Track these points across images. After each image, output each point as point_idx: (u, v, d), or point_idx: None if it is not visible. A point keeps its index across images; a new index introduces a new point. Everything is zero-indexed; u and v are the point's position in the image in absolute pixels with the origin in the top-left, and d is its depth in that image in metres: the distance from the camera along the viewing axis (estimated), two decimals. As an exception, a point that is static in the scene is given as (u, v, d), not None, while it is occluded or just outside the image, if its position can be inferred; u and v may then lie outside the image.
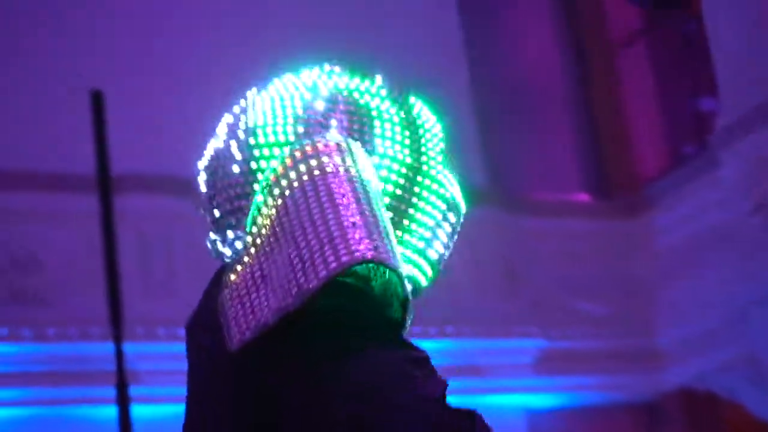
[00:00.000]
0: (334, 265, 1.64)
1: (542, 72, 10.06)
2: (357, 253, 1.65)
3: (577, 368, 8.98)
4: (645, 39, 10.20)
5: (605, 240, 9.51)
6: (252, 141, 1.87)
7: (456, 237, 1.93)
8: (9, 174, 7.61)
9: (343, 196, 1.72)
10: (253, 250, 1.78)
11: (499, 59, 9.73)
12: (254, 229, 1.81)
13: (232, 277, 1.78)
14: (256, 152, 1.86)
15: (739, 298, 8.50)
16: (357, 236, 1.67)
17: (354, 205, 1.71)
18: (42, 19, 7.98)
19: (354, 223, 1.69)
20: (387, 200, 1.85)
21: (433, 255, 1.89)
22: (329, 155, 1.77)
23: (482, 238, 8.77)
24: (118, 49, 7.99)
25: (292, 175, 1.77)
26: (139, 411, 5.94)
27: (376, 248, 1.67)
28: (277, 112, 1.88)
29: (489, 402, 7.92)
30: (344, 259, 1.65)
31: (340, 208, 1.71)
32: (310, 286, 1.65)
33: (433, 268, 1.90)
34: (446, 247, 1.91)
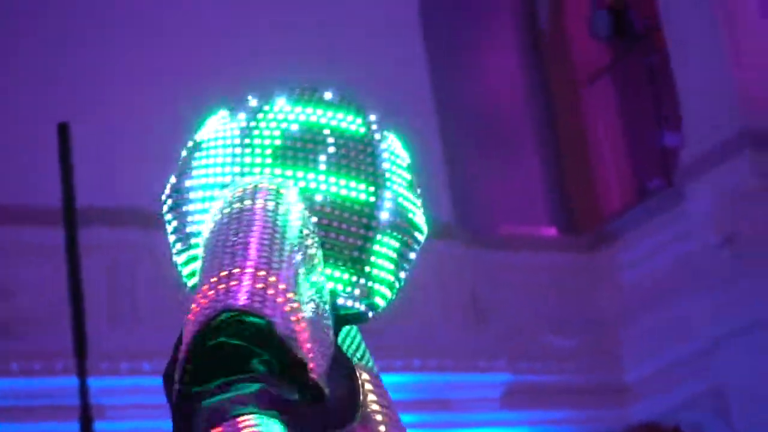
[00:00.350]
0: (219, 306, 1.62)
1: (508, 107, 10.06)
2: (229, 301, 1.63)
3: (544, 402, 8.94)
4: (610, 75, 10.23)
5: (571, 274, 9.49)
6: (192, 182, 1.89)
7: (414, 259, 1.90)
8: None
9: (248, 242, 1.71)
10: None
11: (466, 93, 9.73)
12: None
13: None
14: (191, 194, 1.89)
15: (705, 333, 8.50)
16: (236, 284, 1.65)
17: (254, 251, 1.70)
18: (7, 51, 7.92)
19: (241, 270, 1.67)
20: (347, 227, 1.84)
21: (392, 278, 1.87)
22: (254, 198, 1.78)
23: (449, 271, 8.78)
24: (81, 82, 7.94)
25: (219, 211, 1.79)
26: None
27: (249, 299, 1.63)
28: (218, 153, 1.89)
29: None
30: (219, 305, 1.62)
31: (238, 250, 1.70)
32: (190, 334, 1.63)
33: (392, 291, 1.88)
34: (406, 270, 1.90)
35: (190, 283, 1.88)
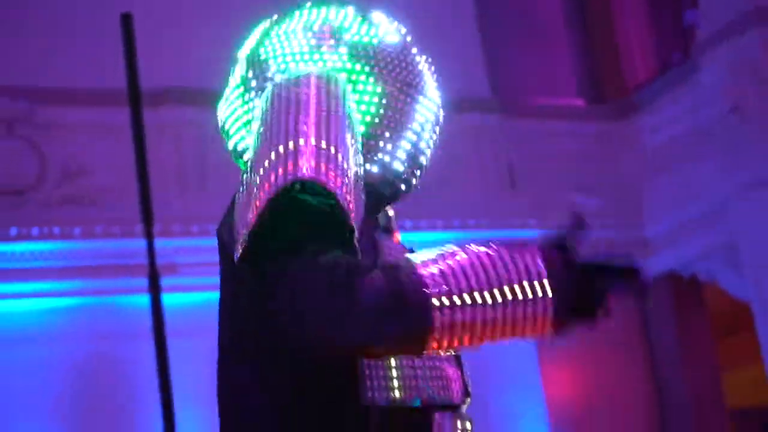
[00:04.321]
0: (281, 180, 1.62)
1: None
2: (298, 173, 1.63)
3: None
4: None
5: (598, 141, 9.37)
6: (272, 49, 1.88)
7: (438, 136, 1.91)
8: (56, 91, 7.52)
9: (306, 120, 1.69)
10: (251, 151, 1.76)
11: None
12: (253, 130, 1.80)
13: (244, 176, 1.74)
14: (271, 60, 1.87)
15: (718, 191, 8.39)
16: (299, 160, 1.64)
17: (313, 128, 1.68)
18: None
19: (305, 142, 1.66)
20: (378, 121, 1.84)
21: (421, 162, 1.90)
22: (308, 85, 1.75)
23: (486, 141, 8.71)
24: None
25: (276, 92, 1.75)
26: (171, 299, 5.94)
27: (316, 170, 1.63)
28: (298, 33, 1.87)
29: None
30: (289, 177, 1.63)
31: (301, 128, 1.68)
32: (261, 203, 1.63)
33: (418, 174, 1.90)
34: (429, 152, 1.91)
35: (245, 157, 1.85)
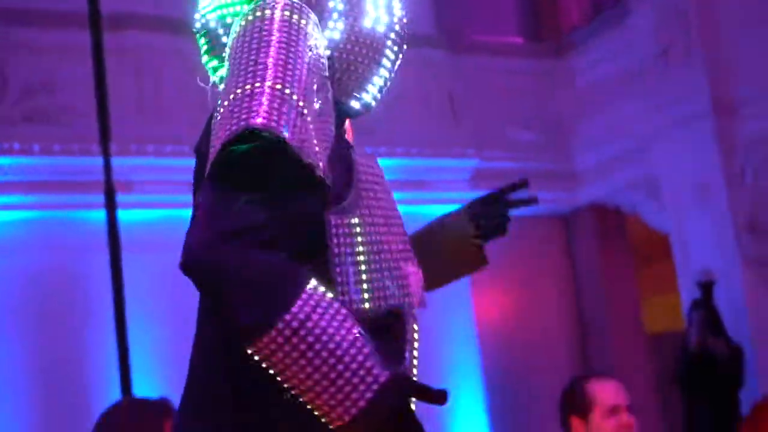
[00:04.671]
0: (242, 124, 1.61)
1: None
2: (251, 121, 1.61)
3: None
4: None
5: (534, 78, 9.51)
6: None
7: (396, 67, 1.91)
8: (19, 12, 7.53)
9: (265, 60, 1.66)
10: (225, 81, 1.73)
11: None
12: (225, 61, 1.78)
13: (218, 101, 1.71)
14: None
15: (644, 129, 8.59)
16: (257, 102, 1.62)
17: (271, 70, 1.65)
18: None
19: (261, 86, 1.64)
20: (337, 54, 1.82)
21: (378, 85, 1.90)
22: (272, 19, 1.70)
23: (430, 75, 8.82)
24: None
25: (243, 25, 1.72)
26: (126, 215, 6.01)
27: (269, 116, 1.61)
28: None
29: (431, 211, 8.00)
30: (242, 123, 1.61)
31: (259, 69, 1.65)
32: (227, 135, 1.62)
33: (375, 99, 1.90)
34: (389, 78, 1.91)
35: (220, 87, 1.84)
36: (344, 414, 1.54)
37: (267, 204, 1.59)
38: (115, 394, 4.69)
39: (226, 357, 1.69)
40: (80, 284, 7.42)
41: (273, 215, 1.59)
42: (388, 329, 1.72)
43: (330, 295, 1.58)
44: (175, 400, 1.95)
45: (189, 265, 1.57)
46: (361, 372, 1.53)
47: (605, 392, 3.30)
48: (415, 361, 1.79)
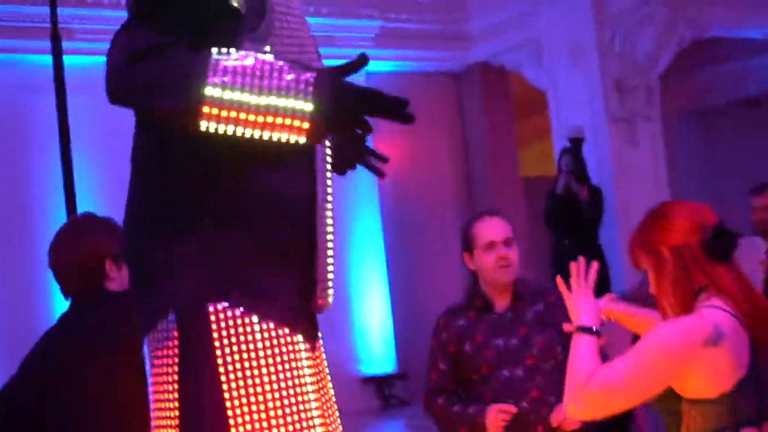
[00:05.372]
0: None
1: None
2: None
3: (407, 44, 9.36)
4: None
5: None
6: None
7: None
8: None
9: None
10: None
11: None
12: None
13: None
14: None
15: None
16: None
17: None
18: None
19: None
20: None
21: None
22: None
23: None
24: None
25: None
26: (70, 60, 6.25)
27: None
28: None
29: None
30: None
31: None
32: None
33: None
34: None
35: None
36: (303, 117, 1.65)
37: (172, 29, 1.69)
38: (61, 218, 4.52)
39: (158, 176, 1.82)
40: (28, 120, 7.65)
41: (179, 37, 1.67)
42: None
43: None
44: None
45: (113, 93, 1.69)
46: (293, 75, 1.66)
47: (483, 230, 3.35)
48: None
